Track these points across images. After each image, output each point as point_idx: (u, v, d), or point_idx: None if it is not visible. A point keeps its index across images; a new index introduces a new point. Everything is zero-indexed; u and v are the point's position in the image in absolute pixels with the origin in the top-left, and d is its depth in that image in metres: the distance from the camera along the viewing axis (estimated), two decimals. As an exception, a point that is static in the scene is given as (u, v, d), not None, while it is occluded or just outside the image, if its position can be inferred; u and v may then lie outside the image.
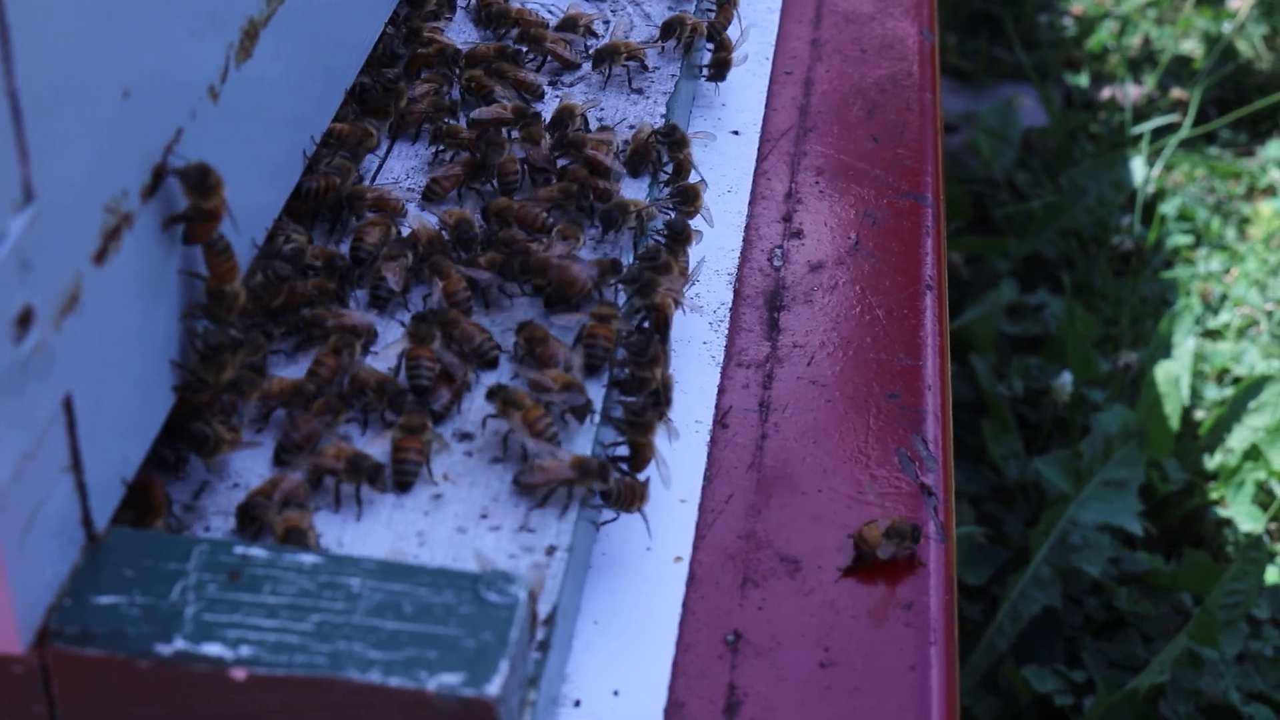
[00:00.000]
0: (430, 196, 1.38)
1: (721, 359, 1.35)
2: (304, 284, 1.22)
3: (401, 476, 1.11)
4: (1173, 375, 2.62)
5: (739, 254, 1.46)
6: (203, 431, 1.07)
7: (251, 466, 1.12)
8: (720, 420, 1.30)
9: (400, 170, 1.43)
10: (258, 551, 0.94)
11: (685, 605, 1.13)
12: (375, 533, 1.08)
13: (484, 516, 1.09)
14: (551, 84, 1.53)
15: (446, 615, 0.91)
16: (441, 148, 1.42)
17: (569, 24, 1.57)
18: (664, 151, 1.42)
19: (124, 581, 0.92)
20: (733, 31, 1.63)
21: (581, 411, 1.16)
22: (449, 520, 1.09)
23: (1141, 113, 3.52)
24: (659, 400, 1.18)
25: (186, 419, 1.08)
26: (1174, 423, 2.62)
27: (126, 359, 0.97)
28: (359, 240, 1.28)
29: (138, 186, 0.96)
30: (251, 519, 1.04)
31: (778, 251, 1.47)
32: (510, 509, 1.10)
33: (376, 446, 1.12)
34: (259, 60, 1.13)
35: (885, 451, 1.29)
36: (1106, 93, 3.58)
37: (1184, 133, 3.36)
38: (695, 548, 1.19)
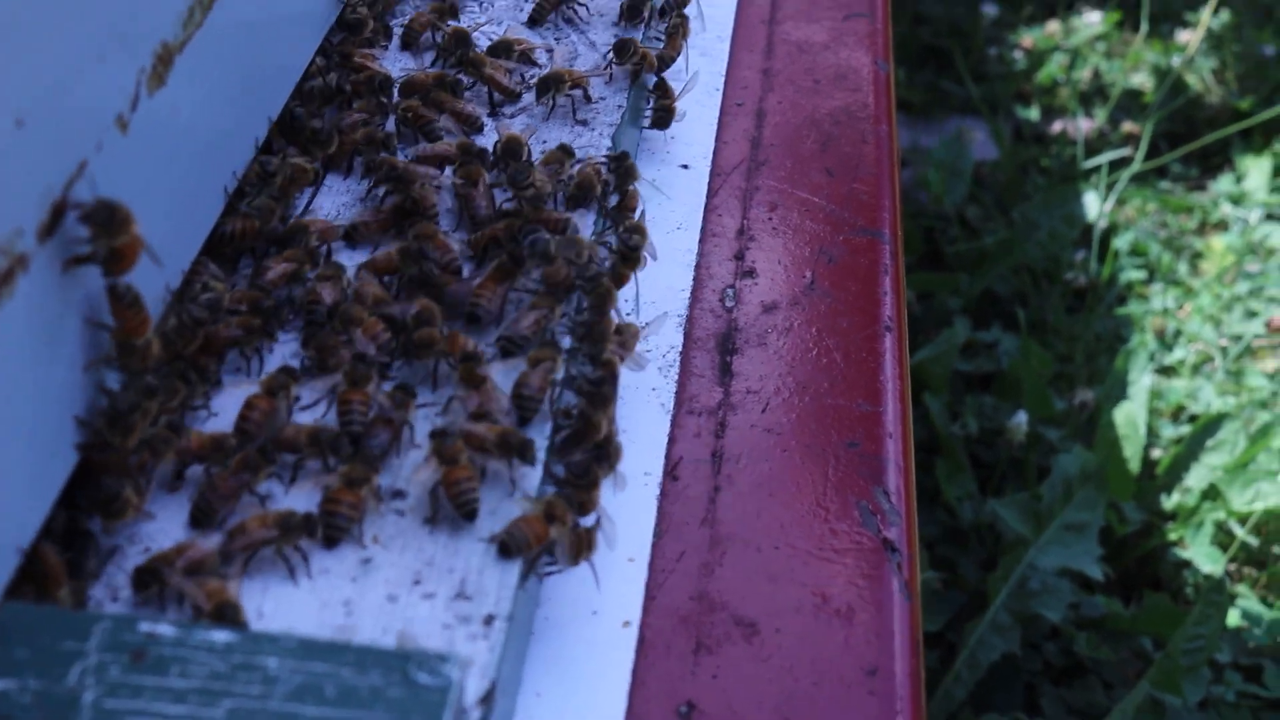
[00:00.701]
0: (352, 239, 1.30)
1: (671, 406, 1.27)
2: (226, 325, 1.14)
3: (330, 531, 1.03)
4: (1133, 417, 2.57)
5: (689, 294, 1.38)
6: (113, 488, 0.98)
7: (165, 529, 1.03)
8: (670, 472, 1.22)
9: (331, 206, 1.34)
10: (165, 629, 0.85)
11: (635, 674, 1.05)
12: (298, 601, 0.99)
13: (417, 583, 1.01)
14: (491, 114, 1.45)
15: (373, 699, 0.83)
16: (373, 180, 1.34)
17: (502, 49, 1.49)
18: (612, 182, 1.35)
19: (16, 664, 0.83)
20: (679, 67, 1.56)
21: (526, 454, 1.09)
22: (379, 587, 1.00)
23: (1093, 146, 3.48)
24: (604, 454, 1.10)
25: (96, 474, 0.99)
26: (1134, 465, 2.56)
27: (20, 414, 0.88)
28: (259, 276, 1.20)
29: (34, 225, 0.87)
30: (146, 584, 0.95)
31: (729, 291, 1.40)
32: (445, 574, 1.01)
33: (305, 496, 1.05)
34: (174, 88, 1.05)
35: (845, 504, 1.21)
36: (1057, 126, 3.53)
37: (1135, 167, 3.32)
38: (645, 610, 1.10)
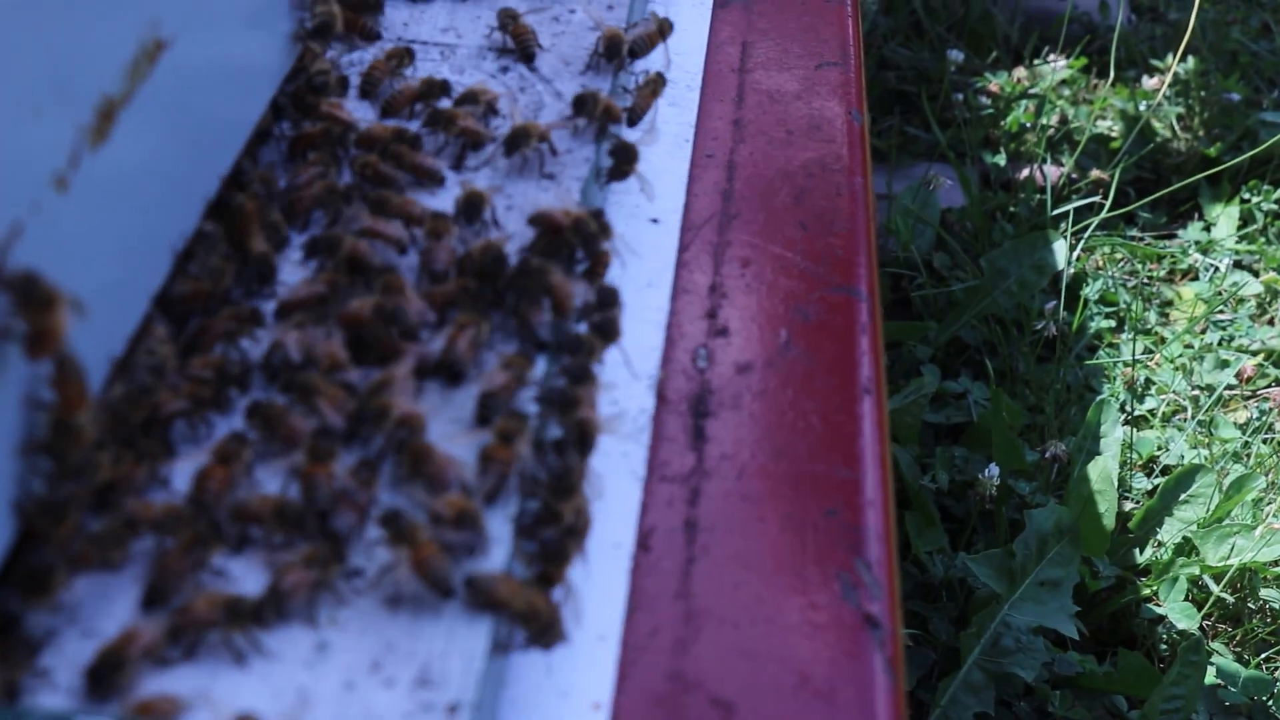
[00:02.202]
0: (283, 317, 1.20)
1: (643, 473, 1.22)
2: (174, 394, 1.07)
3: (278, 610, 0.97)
4: (1107, 472, 2.52)
5: (660, 354, 1.33)
6: (48, 562, 0.92)
7: (106, 610, 0.97)
8: (642, 542, 1.16)
9: (285, 268, 1.28)
10: (101, 728, 0.79)
11: (606, 762, 1.00)
12: (248, 689, 0.93)
13: (376, 668, 0.95)
14: (454, 168, 1.39)
15: (326, 807, 0.77)
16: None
17: (469, 99, 1.44)
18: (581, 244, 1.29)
19: (-63, 768, 0.77)
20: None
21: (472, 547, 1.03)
22: (335, 673, 0.94)
23: (1060, 194, 3.45)
24: (574, 531, 1.05)
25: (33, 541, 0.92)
26: (1109, 521, 2.51)
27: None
28: (200, 333, 1.14)
29: (-38, 293, 0.82)
30: (102, 683, 0.89)
31: (702, 351, 1.35)
32: (405, 659, 0.95)
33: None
34: (118, 144, 0.98)
35: (825, 576, 1.16)
36: (1025, 173, 3.51)
37: (1104, 214, 3.29)
38: (617, 691, 1.05)
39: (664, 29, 1.60)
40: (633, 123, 1.48)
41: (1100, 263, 3.34)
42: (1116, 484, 2.57)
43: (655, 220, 1.47)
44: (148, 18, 1.05)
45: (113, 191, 1.00)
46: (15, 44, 0.86)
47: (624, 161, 1.43)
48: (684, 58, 1.70)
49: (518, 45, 1.55)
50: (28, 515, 0.89)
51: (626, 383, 1.27)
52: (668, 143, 1.55)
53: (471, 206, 1.28)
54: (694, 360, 1.33)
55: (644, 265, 1.40)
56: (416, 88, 1.45)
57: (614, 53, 1.53)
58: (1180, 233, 3.47)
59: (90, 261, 0.95)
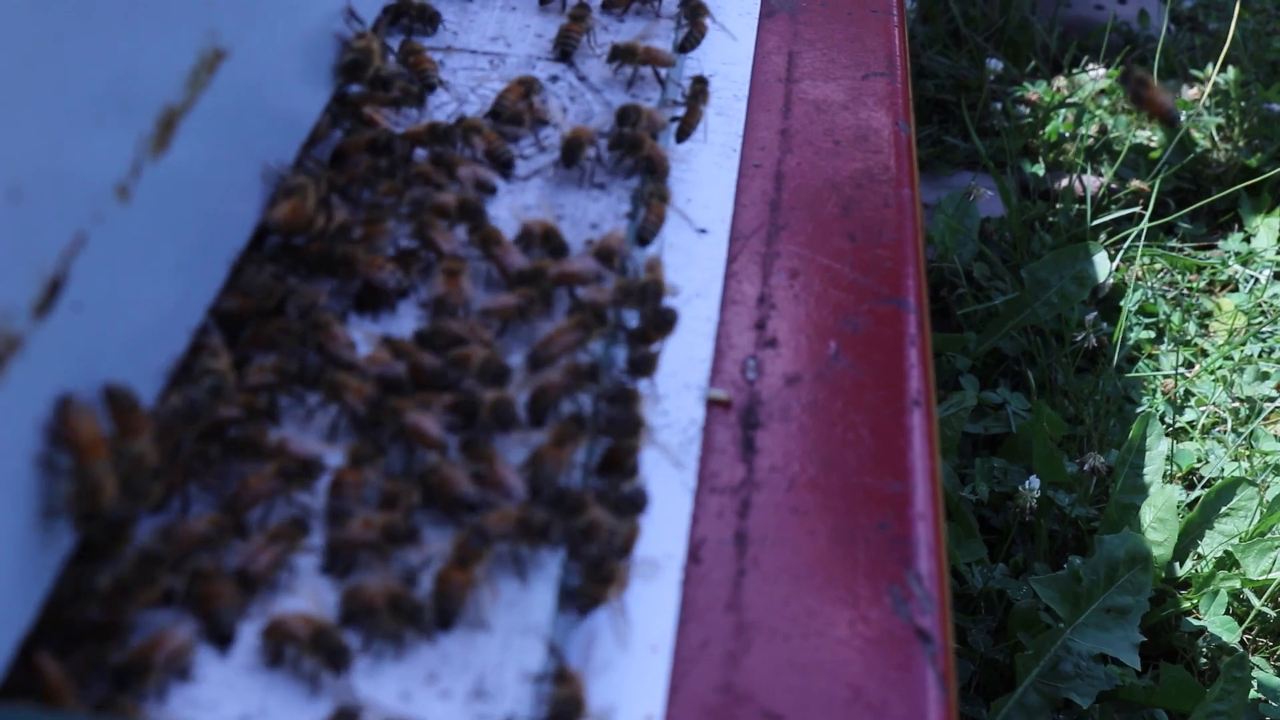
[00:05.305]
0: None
1: (693, 484, 1.21)
2: (226, 403, 1.07)
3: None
4: (1171, 502, 2.50)
5: (710, 365, 1.32)
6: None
7: (161, 620, 0.97)
8: (693, 554, 1.16)
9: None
10: (161, 738, 0.79)
11: (660, 776, 0.99)
12: (303, 698, 0.93)
13: (432, 679, 0.95)
14: (505, 177, 1.39)
15: (389, 820, 0.76)
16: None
17: (514, 119, 1.44)
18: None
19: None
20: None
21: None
22: (391, 685, 0.94)
23: (1100, 204, 3.44)
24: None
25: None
26: (1166, 551, 2.50)
27: (8, 513, 0.82)
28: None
29: (27, 303, 0.82)
30: (126, 684, 0.89)
31: (751, 362, 1.34)
32: (461, 670, 0.95)
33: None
34: (178, 154, 0.99)
35: (876, 590, 1.15)
36: (1064, 182, 3.49)
37: (1144, 225, 3.27)
38: (669, 704, 1.04)
39: (699, 12, 1.61)
40: (681, 138, 1.48)
41: (1140, 274, 3.32)
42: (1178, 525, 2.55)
43: (703, 230, 1.46)
44: (207, 28, 1.05)
45: (173, 201, 1.00)
46: (78, 55, 0.87)
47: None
48: (731, 68, 1.70)
49: (558, 44, 1.55)
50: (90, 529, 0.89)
51: (677, 393, 1.27)
52: (715, 153, 1.54)
53: (554, 245, 1.29)
54: (743, 371, 1.33)
55: (692, 276, 1.40)
56: (518, 88, 1.45)
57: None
58: (1220, 244, 3.45)
59: (149, 271, 0.96)
